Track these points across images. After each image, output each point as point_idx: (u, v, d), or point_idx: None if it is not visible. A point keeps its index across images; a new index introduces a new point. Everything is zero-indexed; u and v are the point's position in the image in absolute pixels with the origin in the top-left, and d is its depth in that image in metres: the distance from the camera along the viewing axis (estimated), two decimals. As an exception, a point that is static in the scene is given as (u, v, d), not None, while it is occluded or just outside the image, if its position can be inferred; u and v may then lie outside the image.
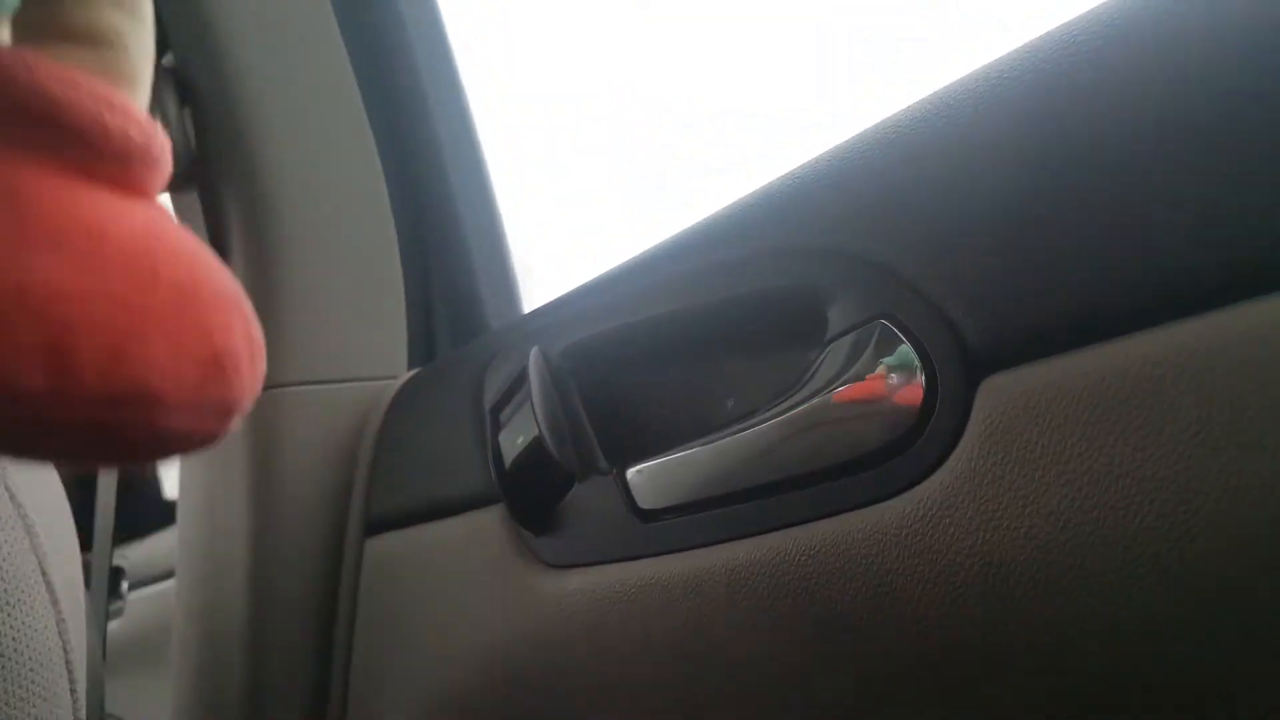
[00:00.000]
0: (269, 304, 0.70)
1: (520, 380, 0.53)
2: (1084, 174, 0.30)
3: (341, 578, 0.70)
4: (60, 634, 0.36)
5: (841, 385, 0.36)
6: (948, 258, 0.34)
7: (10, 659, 0.33)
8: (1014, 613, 0.32)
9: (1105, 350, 0.29)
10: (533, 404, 0.49)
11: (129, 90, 0.19)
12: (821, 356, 0.37)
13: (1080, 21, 0.33)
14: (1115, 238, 0.29)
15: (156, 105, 0.69)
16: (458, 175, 0.84)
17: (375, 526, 0.68)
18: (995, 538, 0.32)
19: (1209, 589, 0.28)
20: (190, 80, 0.71)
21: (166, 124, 0.67)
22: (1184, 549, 0.28)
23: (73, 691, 0.37)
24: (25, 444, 0.18)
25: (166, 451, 0.19)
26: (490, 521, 0.55)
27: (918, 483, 0.34)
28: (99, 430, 0.17)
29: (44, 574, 0.36)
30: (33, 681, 0.34)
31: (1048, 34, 0.34)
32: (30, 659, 0.34)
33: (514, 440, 0.51)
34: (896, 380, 0.35)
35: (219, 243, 0.72)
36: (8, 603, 0.34)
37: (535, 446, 0.49)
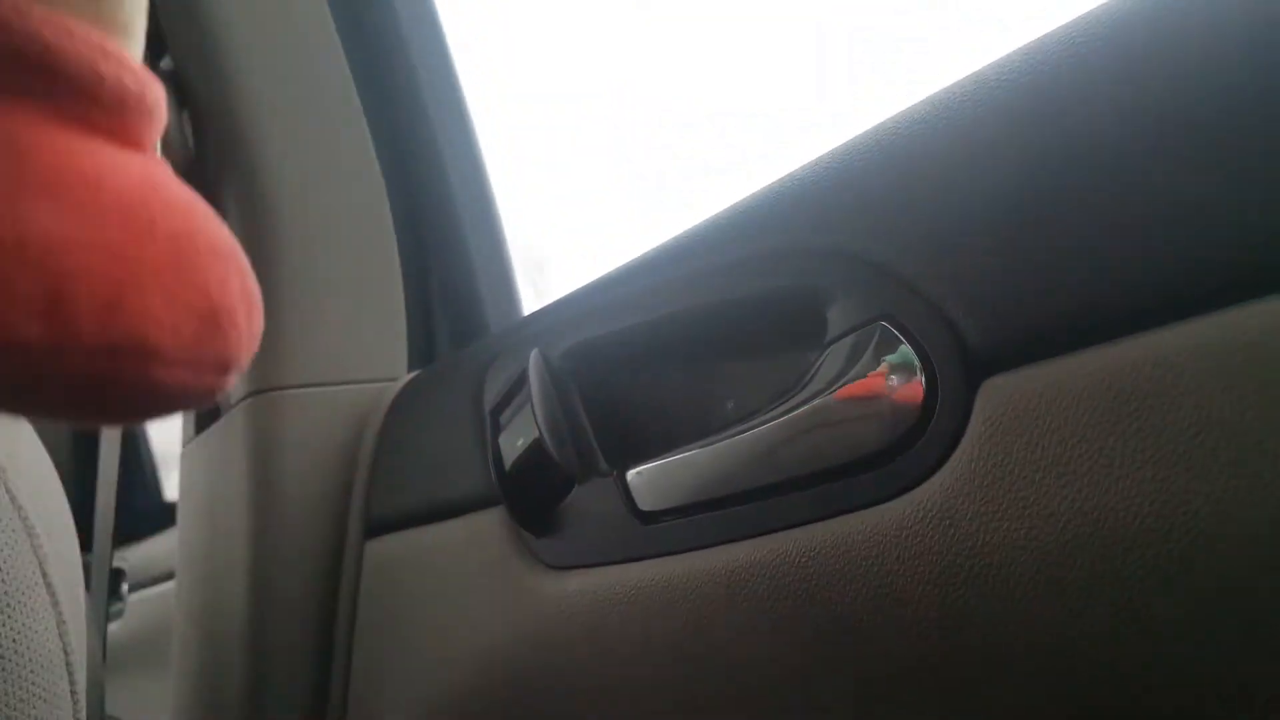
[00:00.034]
0: (268, 307, 0.70)
1: (520, 382, 0.53)
2: (1084, 174, 0.30)
3: (341, 579, 0.70)
4: (60, 635, 0.36)
5: (842, 386, 0.36)
6: (948, 258, 0.34)
7: (10, 660, 0.33)
8: (1014, 614, 0.32)
9: (1105, 351, 0.29)
10: (533, 406, 0.49)
11: (123, 39, 0.19)
12: (822, 358, 0.37)
13: (1080, 22, 0.33)
14: (1115, 238, 0.29)
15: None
16: (457, 176, 0.84)
17: (375, 528, 0.68)
18: (995, 539, 0.32)
19: (1209, 589, 0.27)
20: (188, 83, 0.71)
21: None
22: (1184, 550, 0.28)
23: (73, 693, 0.37)
24: (21, 397, 0.17)
25: (162, 408, 0.19)
26: (490, 523, 0.55)
27: (918, 484, 0.34)
28: (96, 383, 0.17)
29: (44, 576, 0.36)
30: (33, 683, 0.34)
31: (1047, 34, 0.34)
32: (30, 660, 0.34)
33: (514, 442, 0.51)
34: (896, 381, 0.34)
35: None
36: (8, 604, 0.34)
37: (535, 448, 0.49)
